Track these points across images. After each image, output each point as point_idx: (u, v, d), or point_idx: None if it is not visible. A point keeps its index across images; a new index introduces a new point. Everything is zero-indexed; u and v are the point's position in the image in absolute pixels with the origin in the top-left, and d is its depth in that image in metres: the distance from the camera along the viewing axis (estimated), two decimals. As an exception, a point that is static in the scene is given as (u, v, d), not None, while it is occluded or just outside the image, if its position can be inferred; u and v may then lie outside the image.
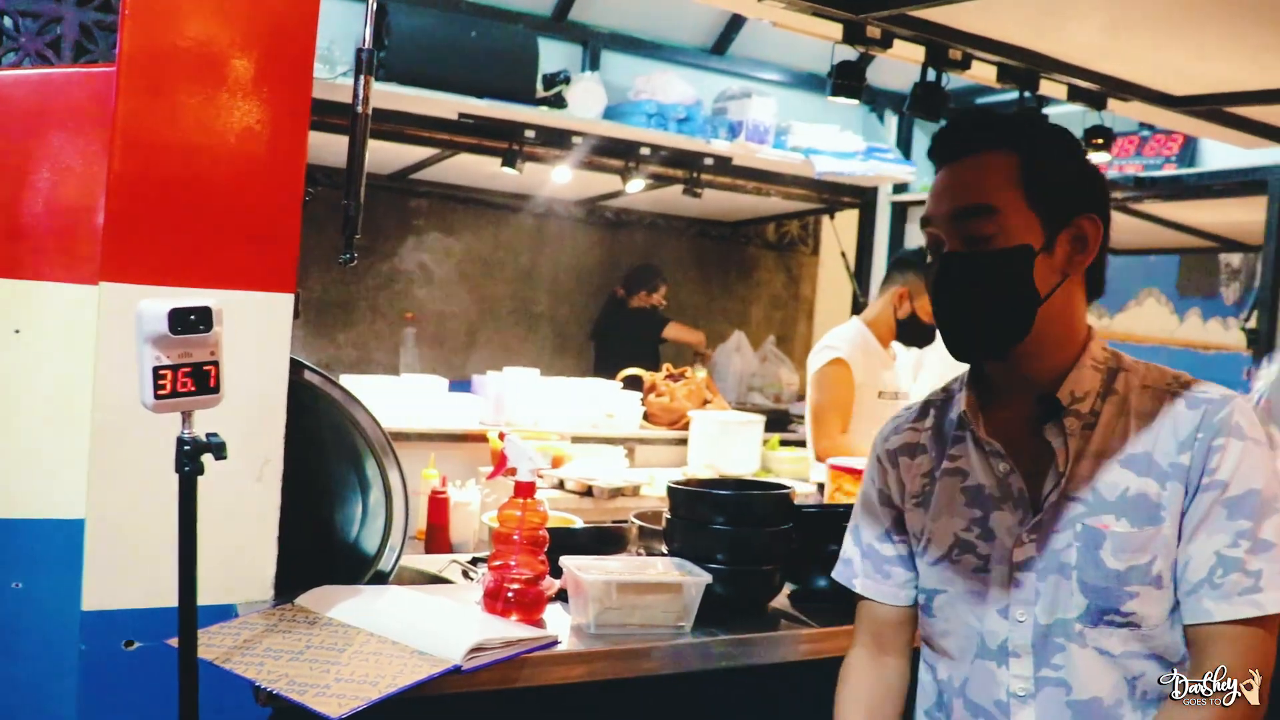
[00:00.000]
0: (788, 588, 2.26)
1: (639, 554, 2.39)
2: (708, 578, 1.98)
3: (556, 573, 2.02)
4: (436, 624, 1.74)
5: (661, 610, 1.95)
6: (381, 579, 2.04)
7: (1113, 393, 1.53)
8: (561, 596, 2.05)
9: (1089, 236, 1.52)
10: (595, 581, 1.89)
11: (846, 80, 3.37)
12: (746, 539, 2.11)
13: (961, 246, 1.51)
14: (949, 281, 1.53)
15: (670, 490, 2.19)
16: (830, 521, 2.29)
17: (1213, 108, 3.39)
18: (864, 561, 1.73)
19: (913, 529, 1.67)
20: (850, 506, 2.51)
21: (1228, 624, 1.40)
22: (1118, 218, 5.74)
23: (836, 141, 5.48)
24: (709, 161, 5.35)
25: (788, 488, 2.21)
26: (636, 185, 5.33)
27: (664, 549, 2.26)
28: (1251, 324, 4.76)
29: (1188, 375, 1.53)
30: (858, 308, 6.30)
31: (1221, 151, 4.95)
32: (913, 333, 3.72)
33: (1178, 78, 3.24)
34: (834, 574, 1.79)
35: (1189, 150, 5.18)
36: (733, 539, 2.10)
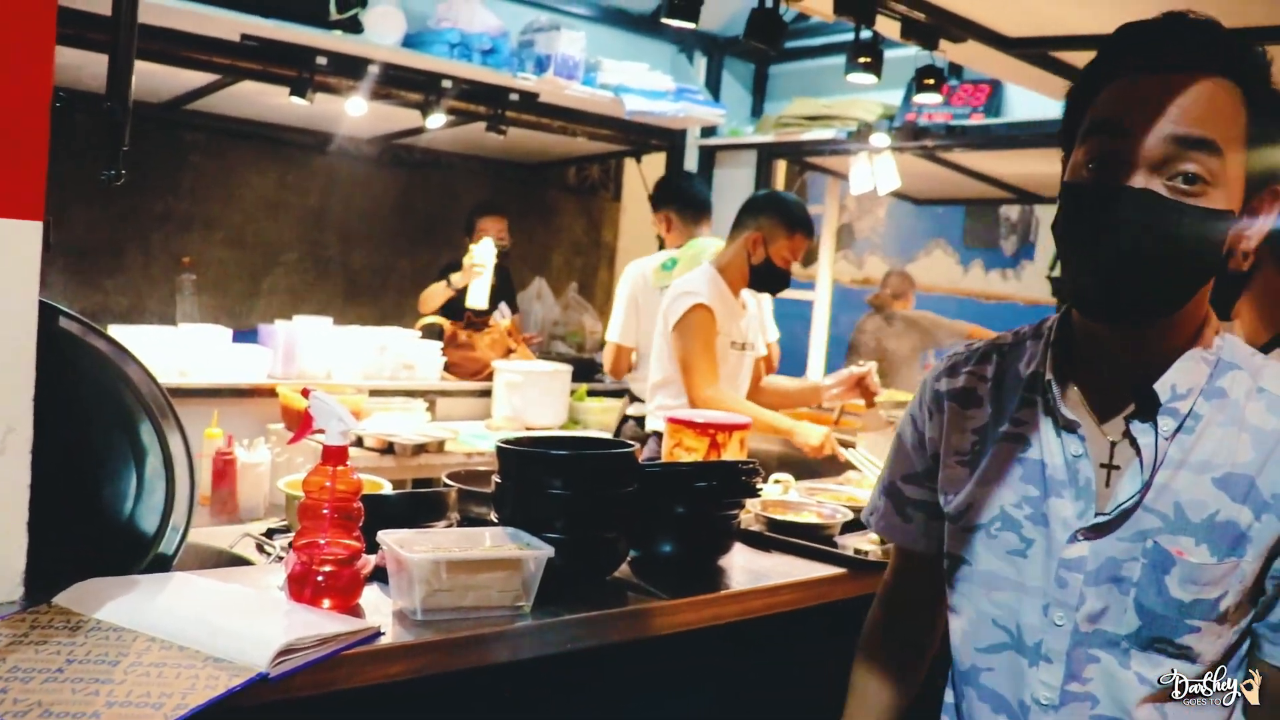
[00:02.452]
0: (629, 554, 2.06)
1: (458, 522, 2.15)
2: (549, 550, 1.75)
3: (370, 548, 1.75)
4: (235, 621, 1.44)
5: (498, 590, 1.71)
6: (164, 564, 1.71)
7: (1219, 393, 1.31)
8: (378, 575, 1.79)
9: (1269, 212, 1.29)
10: (422, 560, 1.63)
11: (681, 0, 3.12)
12: (588, 504, 1.89)
13: (1158, 182, 1.23)
14: (1126, 223, 1.23)
15: (500, 451, 1.94)
16: (674, 481, 2.11)
17: (1041, 51, 3.35)
18: (882, 499, 1.61)
19: (947, 485, 1.48)
20: (695, 463, 2.34)
21: None
22: (924, 166, 5.88)
23: (647, 80, 5.29)
24: (515, 97, 5.07)
25: (630, 445, 2.00)
26: (438, 120, 4.99)
27: (488, 515, 2.03)
28: (1057, 273, 4.85)
29: None
30: (666, 254, 6.16)
31: (1025, 104, 5.02)
32: (766, 279, 3.58)
33: (1020, 16, 3.18)
34: (862, 516, 1.72)
35: (995, 101, 5.24)
36: (573, 504, 1.88)
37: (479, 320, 5.36)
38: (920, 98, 3.92)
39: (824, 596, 2.22)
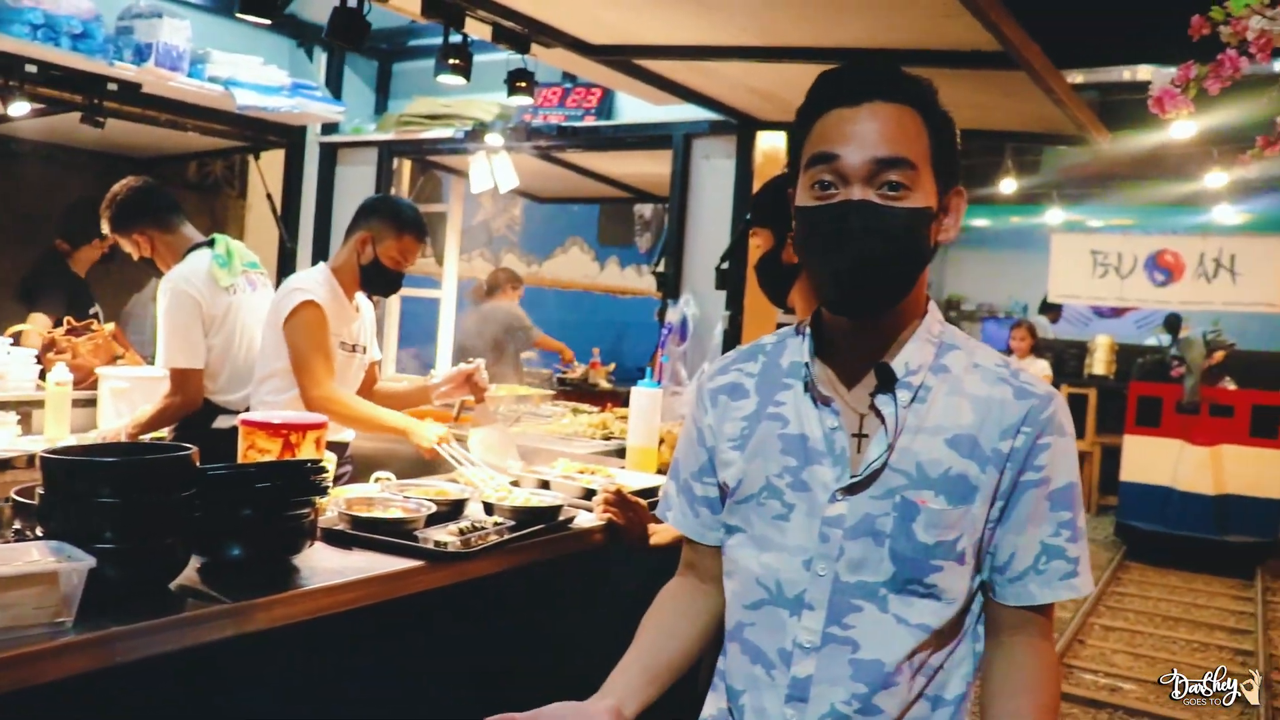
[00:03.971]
0: (196, 561, 2.02)
1: (11, 539, 2.03)
2: (90, 561, 1.69)
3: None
4: None
5: (33, 606, 1.65)
6: None
7: (944, 369, 1.57)
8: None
9: (958, 209, 1.57)
10: (-62, 582, 1.54)
11: (259, -5, 3.05)
12: (139, 511, 1.84)
13: (872, 196, 1.48)
14: (852, 230, 1.48)
15: (43, 461, 1.85)
16: (240, 484, 2.08)
17: (624, 59, 3.54)
18: (679, 496, 1.76)
19: (725, 470, 1.67)
20: (259, 464, 2.33)
21: (1045, 605, 1.55)
22: (547, 166, 6.04)
23: (260, 75, 5.12)
24: (113, 87, 4.75)
25: (188, 449, 1.96)
26: (22, 109, 4.61)
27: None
28: (661, 268, 5.14)
29: (1011, 361, 1.62)
30: (285, 253, 5.99)
31: (635, 108, 5.29)
32: (376, 280, 3.56)
33: (594, 26, 3.34)
34: (656, 510, 1.82)
35: (607, 104, 5.48)
36: (122, 512, 1.82)
37: (80, 325, 5.02)
38: (514, 99, 4.03)
39: (402, 589, 2.27)
